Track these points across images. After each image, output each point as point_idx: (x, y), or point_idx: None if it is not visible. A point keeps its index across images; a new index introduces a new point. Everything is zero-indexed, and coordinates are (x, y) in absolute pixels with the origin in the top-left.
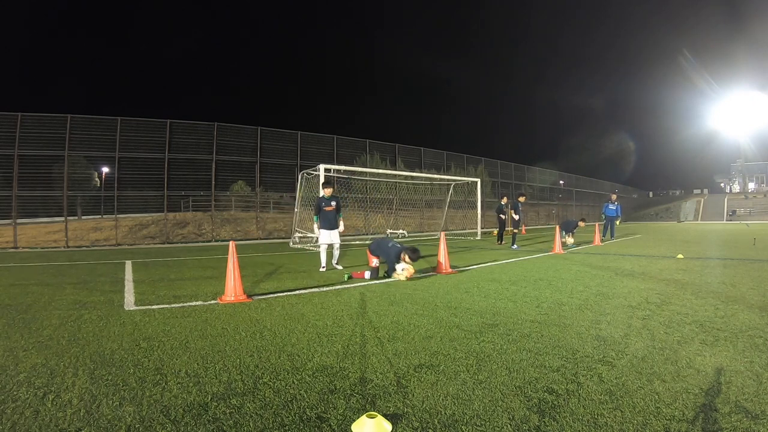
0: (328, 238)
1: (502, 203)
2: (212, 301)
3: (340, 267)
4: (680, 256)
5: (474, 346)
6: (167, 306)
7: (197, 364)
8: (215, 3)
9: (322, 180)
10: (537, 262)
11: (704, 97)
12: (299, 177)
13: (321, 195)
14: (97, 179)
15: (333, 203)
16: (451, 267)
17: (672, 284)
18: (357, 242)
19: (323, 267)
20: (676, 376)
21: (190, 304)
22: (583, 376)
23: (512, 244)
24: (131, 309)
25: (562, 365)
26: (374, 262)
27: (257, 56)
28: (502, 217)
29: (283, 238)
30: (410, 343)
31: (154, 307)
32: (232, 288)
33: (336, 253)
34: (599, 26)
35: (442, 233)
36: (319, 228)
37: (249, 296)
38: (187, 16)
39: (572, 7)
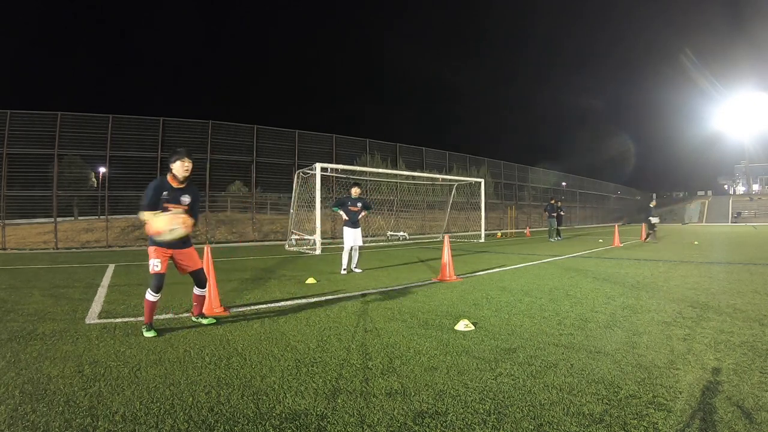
0: (351, 238)
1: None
2: (184, 314)
3: (359, 270)
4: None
5: (489, 381)
6: (132, 319)
7: (140, 402)
8: None
9: (318, 178)
10: (548, 268)
11: (708, 99)
12: (295, 177)
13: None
14: (93, 179)
15: (359, 204)
16: (456, 273)
17: (702, 293)
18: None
19: (344, 270)
20: (749, 426)
21: (158, 317)
22: (634, 428)
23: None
24: (92, 322)
25: (604, 411)
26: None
27: (255, 52)
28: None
29: (280, 240)
30: (409, 377)
31: (117, 320)
32: (207, 299)
33: (355, 255)
34: (603, 28)
35: (446, 236)
36: (343, 226)
37: (226, 308)
38: (183, 10)
39: (576, 9)
